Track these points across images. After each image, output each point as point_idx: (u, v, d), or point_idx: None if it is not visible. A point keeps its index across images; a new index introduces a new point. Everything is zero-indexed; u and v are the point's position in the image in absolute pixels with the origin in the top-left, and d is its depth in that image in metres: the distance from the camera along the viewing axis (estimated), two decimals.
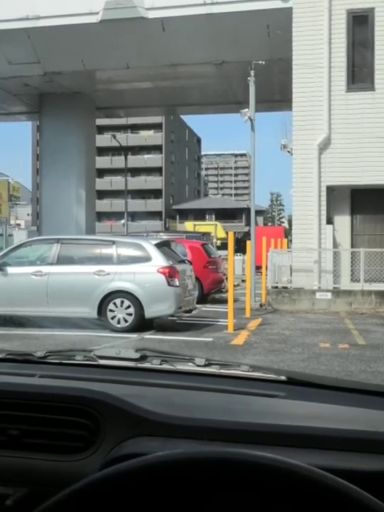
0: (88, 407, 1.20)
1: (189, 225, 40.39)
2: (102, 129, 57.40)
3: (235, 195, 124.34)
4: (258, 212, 46.38)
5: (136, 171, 64.13)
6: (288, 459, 0.79)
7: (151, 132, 66.93)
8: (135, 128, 64.18)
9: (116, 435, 1.16)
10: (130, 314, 10.19)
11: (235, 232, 12.74)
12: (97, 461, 1.14)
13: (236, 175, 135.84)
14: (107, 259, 10.53)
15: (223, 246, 24.74)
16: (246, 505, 0.76)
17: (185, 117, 68.40)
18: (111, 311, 10.23)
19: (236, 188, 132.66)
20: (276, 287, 14.89)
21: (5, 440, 1.22)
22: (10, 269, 10.69)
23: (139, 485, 0.79)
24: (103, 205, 61.37)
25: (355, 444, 1.09)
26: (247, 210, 39.92)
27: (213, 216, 61.38)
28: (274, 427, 1.14)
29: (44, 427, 1.22)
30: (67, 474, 1.15)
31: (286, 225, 65.07)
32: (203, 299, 14.64)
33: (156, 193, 67.70)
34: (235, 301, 11.55)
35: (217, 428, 1.14)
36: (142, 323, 10.25)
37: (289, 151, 18.01)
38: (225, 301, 12.58)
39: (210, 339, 9.52)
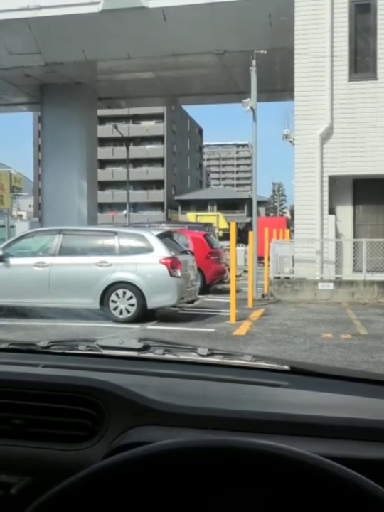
0: (91, 397, 1.21)
1: (191, 216, 40.37)
2: (103, 120, 57.21)
3: (237, 185, 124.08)
4: (260, 203, 46.32)
5: (137, 162, 64.03)
6: (291, 447, 0.79)
7: (152, 123, 66.73)
8: (136, 118, 63.97)
9: (120, 424, 1.17)
10: (132, 305, 10.21)
11: (237, 223, 12.73)
12: (101, 450, 1.14)
13: (238, 165, 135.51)
14: (109, 250, 10.54)
15: (225, 237, 24.75)
16: (250, 493, 0.76)
17: (186, 108, 68.13)
18: (113, 301, 10.25)
19: (238, 179, 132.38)
20: (279, 278, 14.89)
21: (9, 429, 1.23)
22: (12, 260, 10.70)
23: (142, 474, 0.79)
24: (105, 196, 61.32)
25: (357, 433, 1.09)
26: (249, 201, 39.88)
27: (215, 207, 61.31)
28: (277, 416, 1.14)
29: (48, 417, 1.22)
30: (70, 463, 1.16)
31: (288, 215, 64.99)
32: (205, 289, 14.65)
33: (157, 184, 67.62)
34: (237, 291, 11.56)
35: (221, 417, 1.14)
36: (144, 314, 10.27)
37: (291, 141, 17.96)
38: (227, 292, 12.58)
39: (213, 329, 9.54)
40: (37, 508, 0.77)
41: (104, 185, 61.50)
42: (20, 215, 55.92)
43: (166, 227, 16.57)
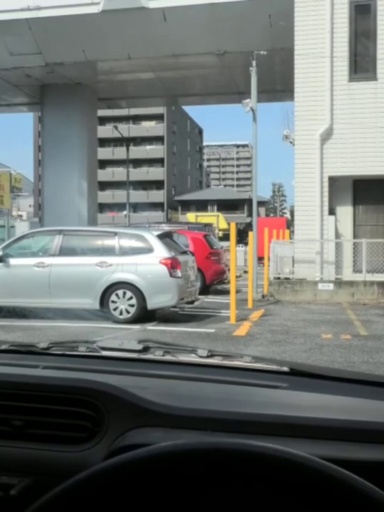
0: (91, 398, 1.21)
1: (191, 216, 40.33)
2: (103, 120, 57.29)
3: (237, 186, 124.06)
4: (260, 203, 46.28)
5: (138, 162, 64.03)
6: (291, 449, 0.79)
7: (152, 123, 66.76)
8: (137, 119, 63.96)
9: (120, 426, 1.17)
10: (132, 305, 10.21)
11: (237, 223, 12.74)
12: (101, 452, 1.15)
13: (238, 166, 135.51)
14: (109, 251, 10.53)
15: (225, 237, 24.75)
16: (248, 495, 0.77)
17: (186, 108, 68.26)
18: (113, 302, 10.24)
19: (238, 179, 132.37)
20: (279, 278, 14.88)
21: (9, 431, 1.23)
22: (12, 261, 10.70)
23: (141, 475, 0.79)
24: (105, 196, 61.32)
25: (357, 434, 1.09)
26: (249, 201, 39.87)
27: (215, 207, 61.33)
28: (276, 418, 1.14)
29: (47, 418, 1.23)
30: (70, 464, 1.16)
31: (288, 215, 64.99)
32: (205, 290, 14.66)
33: (157, 184, 67.63)
34: (237, 292, 11.56)
35: (220, 419, 1.14)
36: (144, 315, 10.27)
37: (291, 142, 17.95)
38: (227, 292, 12.58)
39: (213, 330, 9.54)
40: (37, 510, 0.78)
41: (104, 185, 61.52)
42: (20, 215, 55.94)
43: (165, 228, 16.57)
